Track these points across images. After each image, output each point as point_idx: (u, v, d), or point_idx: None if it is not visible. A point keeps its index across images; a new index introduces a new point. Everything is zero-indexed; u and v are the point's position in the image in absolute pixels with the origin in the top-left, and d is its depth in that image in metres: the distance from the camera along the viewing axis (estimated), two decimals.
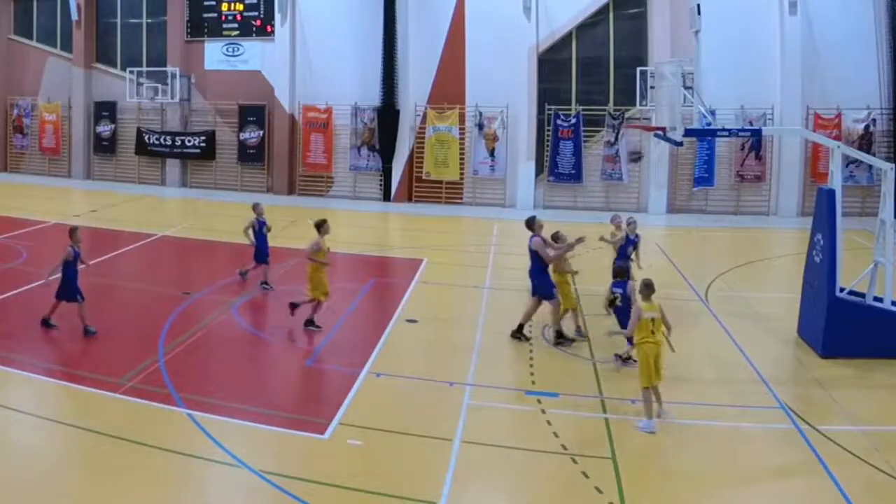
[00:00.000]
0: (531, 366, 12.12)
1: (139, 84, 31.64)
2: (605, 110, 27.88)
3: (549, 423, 9.95)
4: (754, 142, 26.97)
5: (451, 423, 9.86)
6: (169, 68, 31.30)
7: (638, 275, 12.76)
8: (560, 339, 13.02)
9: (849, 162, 24.30)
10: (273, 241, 17.50)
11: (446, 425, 9.81)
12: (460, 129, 28.85)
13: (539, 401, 10.64)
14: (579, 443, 9.41)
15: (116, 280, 17.05)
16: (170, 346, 12.49)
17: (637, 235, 15.20)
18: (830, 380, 11.69)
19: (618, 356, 12.04)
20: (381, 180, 29.77)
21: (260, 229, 16.46)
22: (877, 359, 12.29)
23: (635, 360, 10.92)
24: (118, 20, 33.36)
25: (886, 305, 12.68)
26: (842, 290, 12.72)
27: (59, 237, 21.68)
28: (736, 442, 9.78)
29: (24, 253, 18.87)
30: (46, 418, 9.75)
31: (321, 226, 13.78)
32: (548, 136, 28.27)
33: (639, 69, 26.01)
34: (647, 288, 10.13)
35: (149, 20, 32.88)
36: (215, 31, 31.65)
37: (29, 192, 29.99)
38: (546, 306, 13.13)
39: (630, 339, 10.72)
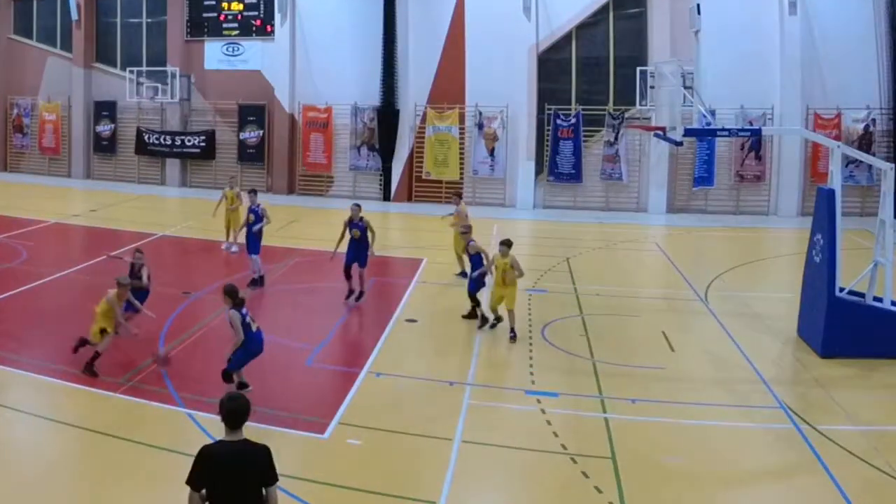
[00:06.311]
0: (531, 365, 12.10)
1: (139, 84, 31.57)
2: (604, 110, 27.83)
3: (548, 422, 9.93)
4: (754, 141, 26.92)
5: (451, 423, 9.84)
6: (169, 68, 31.26)
7: None
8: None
9: (848, 162, 24.28)
10: (272, 240, 17.45)
11: (446, 425, 9.78)
12: (460, 128, 28.81)
13: (539, 400, 10.62)
14: (579, 442, 9.38)
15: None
16: (170, 345, 12.45)
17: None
18: (830, 380, 11.67)
19: None
20: (381, 180, 29.74)
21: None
22: (876, 359, 12.27)
23: None
24: (118, 20, 33.30)
25: (886, 305, 12.66)
26: (841, 289, 12.69)
27: (59, 237, 21.97)
28: (736, 442, 9.76)
29: (24, 252, 18.93)
30: (46, 417, 9.73)
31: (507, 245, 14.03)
32: (547, 135, 28.22)
33: (638, 69, 26.00)
34: None
35: (149, 20, 32.82)
36: (215, 30, 31.61)
37: (29, 191, 29.94)
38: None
39: None
